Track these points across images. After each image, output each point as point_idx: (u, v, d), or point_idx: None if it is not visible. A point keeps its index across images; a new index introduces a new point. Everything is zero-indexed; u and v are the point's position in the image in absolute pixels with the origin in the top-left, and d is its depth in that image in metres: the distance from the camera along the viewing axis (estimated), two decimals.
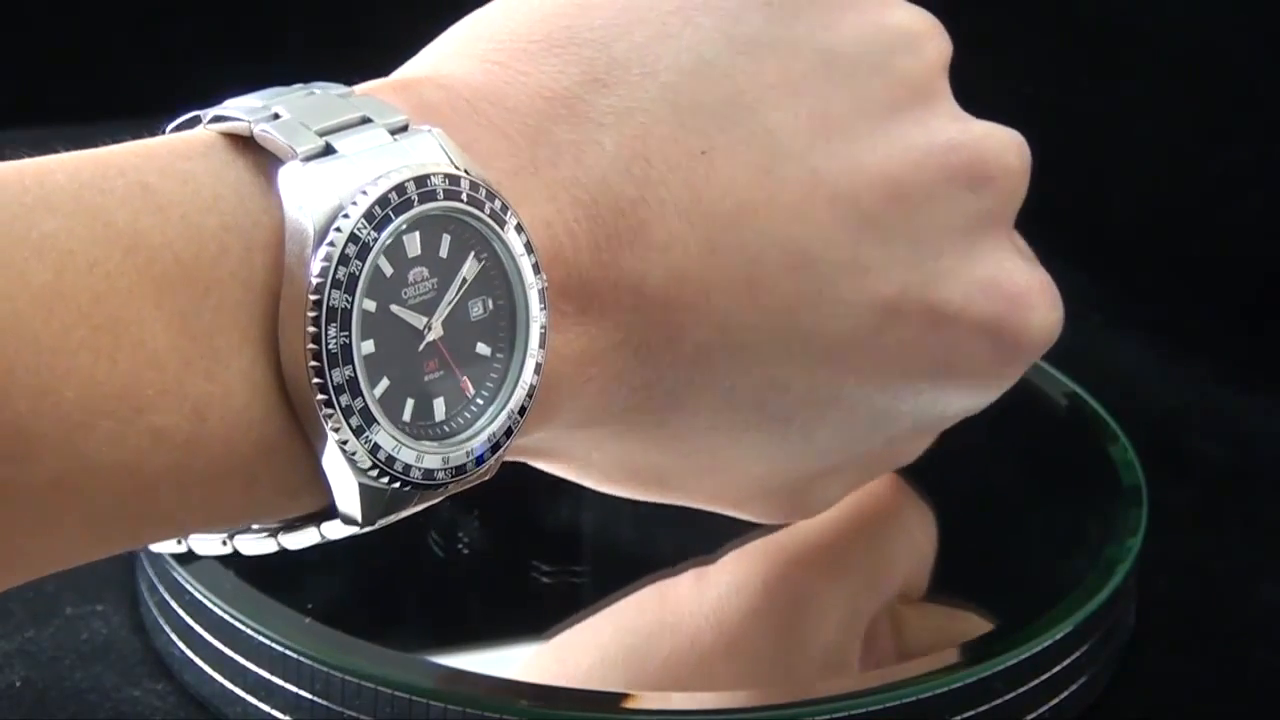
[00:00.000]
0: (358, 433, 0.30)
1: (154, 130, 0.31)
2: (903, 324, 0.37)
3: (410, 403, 0.31)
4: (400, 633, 0.43)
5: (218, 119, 0.31)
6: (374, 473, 0.30)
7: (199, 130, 0.31)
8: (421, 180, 0.30)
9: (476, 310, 0.31)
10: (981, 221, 0.38)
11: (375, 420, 0.30)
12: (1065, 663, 0.41)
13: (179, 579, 0.41)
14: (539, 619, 0.44)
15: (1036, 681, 0.40)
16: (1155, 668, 0.44)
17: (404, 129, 0.31)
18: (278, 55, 0.66)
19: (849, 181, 0.36)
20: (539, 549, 0.47)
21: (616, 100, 0.34)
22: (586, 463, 0.38)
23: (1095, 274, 0.57)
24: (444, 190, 0.30)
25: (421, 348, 0.31)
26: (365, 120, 0.31)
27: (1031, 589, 0.43)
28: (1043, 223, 0.42)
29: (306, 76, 0.32)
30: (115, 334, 0.28)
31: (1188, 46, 0.59)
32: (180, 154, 0.30)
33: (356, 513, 0.30)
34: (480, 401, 0.32)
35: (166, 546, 0.33)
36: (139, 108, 0.33)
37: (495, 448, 0.32)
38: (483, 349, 0.32)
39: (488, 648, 0.44)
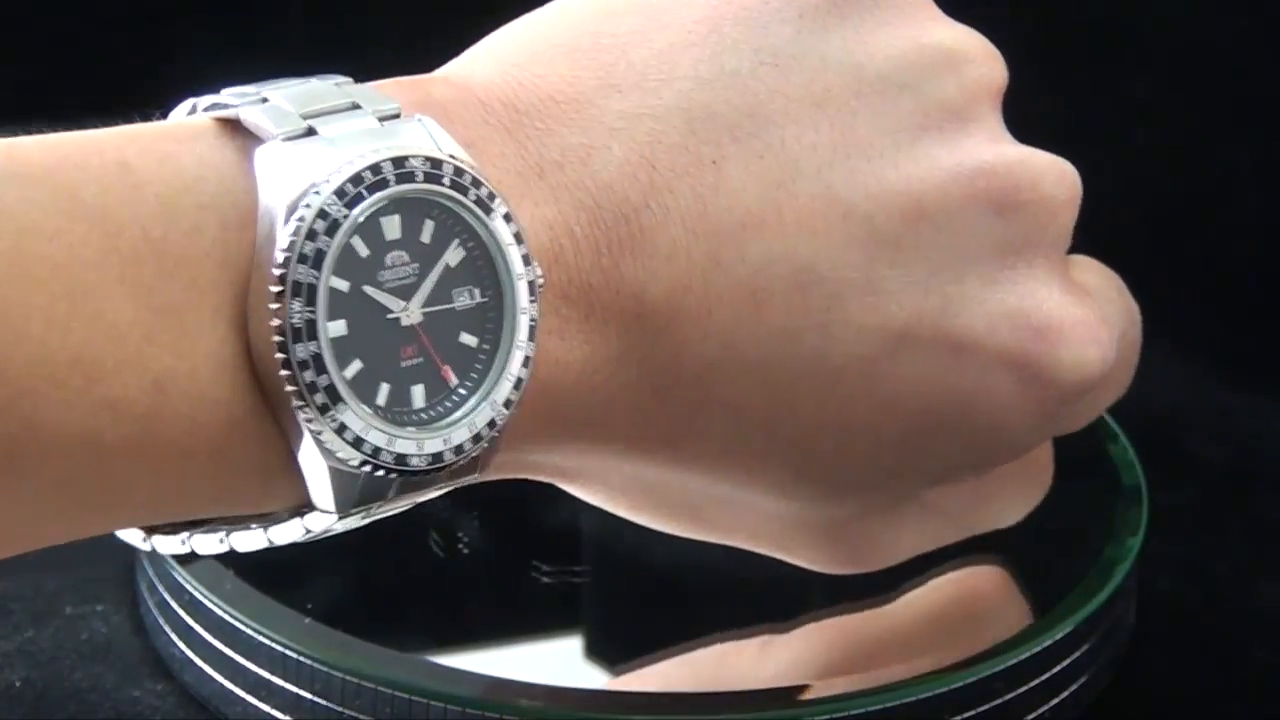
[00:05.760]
0: (323, 410, 0.29)
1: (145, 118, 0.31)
2: (918, 351, 0.35)
3: (385, 388, 0.30)
4: (400, 633, 0.43)
5: (211, 106, 0.31)
6: (343, 454, 0.29)
7: (192, 116, 0.31)
8: (399, 161, 0.30)
9: (463, 299, 0.31)
10: (1012, 249, 0.36)
11: (342, 399, 0.29)
12: (1065, 663, 0.41)
13: (179, 579, 0.41)
14: (539, 619, 0.44)
15: (1036, 681, 0.40)
16: (1155, 668, 0.44)
17: (394, 117, 0.31)
18: (279, 52, 0.66)
19: (865, 200, 0.35)
20: (539, 549, 0.47)
21: (628, 106, 0.34)
22: (607, 484, 0.37)
23: None
24: (424, 173, 0.30)
25: (397, 332, 0.30)
26: (354, 107, 0.31)
27: (1031, 589, 0.43)
28: None
29: (314, 71, 0.32)
30: (72, 303, 0.27)
31: (1188, 46, 0.59)
32: (165, 136, 0.30)
33: (329, 500, 0.30)
34: (463, 391, 0.31)
35: (169, 546, 0.32)
36: (139, 103, 0.33)
37: (477, 438, 0.31)
38: (468, 339, 0.31)
39: (488, 648, 0.44)
